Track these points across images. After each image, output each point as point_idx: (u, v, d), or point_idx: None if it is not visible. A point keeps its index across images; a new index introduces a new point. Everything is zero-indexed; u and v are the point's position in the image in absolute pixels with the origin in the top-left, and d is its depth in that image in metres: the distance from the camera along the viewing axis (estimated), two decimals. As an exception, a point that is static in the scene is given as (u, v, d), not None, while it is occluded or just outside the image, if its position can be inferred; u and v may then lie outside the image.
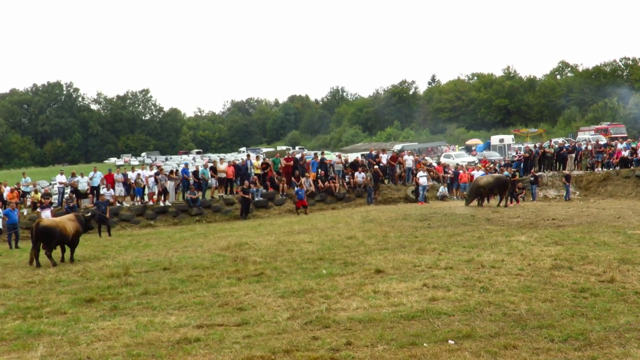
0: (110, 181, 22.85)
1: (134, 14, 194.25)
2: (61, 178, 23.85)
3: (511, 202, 22.53)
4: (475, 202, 22.14)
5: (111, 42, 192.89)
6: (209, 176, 24.30)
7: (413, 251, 12.17)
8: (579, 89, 72.93)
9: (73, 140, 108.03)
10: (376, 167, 26.21)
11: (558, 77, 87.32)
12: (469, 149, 57.29)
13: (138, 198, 23.23)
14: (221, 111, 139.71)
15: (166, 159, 78.47)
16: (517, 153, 37.23)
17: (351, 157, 29.86)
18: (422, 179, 25.33)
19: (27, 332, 7.63)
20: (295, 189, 24.18)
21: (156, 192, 23.33)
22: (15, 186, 22.81)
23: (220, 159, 26.49)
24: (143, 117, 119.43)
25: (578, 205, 20.96)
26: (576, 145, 30.15)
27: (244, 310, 8.17)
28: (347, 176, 26.43)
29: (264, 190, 24.69)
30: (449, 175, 27.48)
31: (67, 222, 13.85)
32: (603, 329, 6.65)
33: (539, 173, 26.65)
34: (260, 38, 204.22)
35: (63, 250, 14.02)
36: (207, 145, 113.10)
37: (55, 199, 23.80)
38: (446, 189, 26.72)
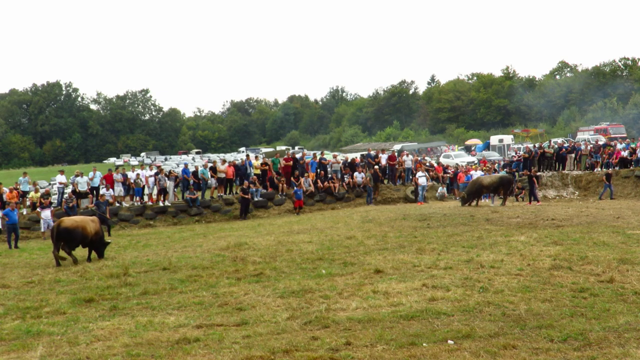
0: (109, 181, 22.82)
1: (133, 14, 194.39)
2: (61, 178, 23.82)
3: (530, 202, 22.05)
4: (473, 202, 22.07)
5: (110, 42, 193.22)
6: (209, 176, 24.31)
7: (412, 251, 12.15)
8: (579, 89, 72.99)
9: (72, 140, 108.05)
10: (376, 167, 26.21)
11: (557, 77, 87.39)
12: (468, 149, 57.38)
13: (137, 198, 23.22)
14: (220, 111, 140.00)
15: (165, 159, 78.55)
16: (516, 153, 37.27)
17: (352, 157, 29.89)
18: (422, 179, 25.31)
19: (27, 332, 7.63)
20: (294, 189, 24.20)
21: (155, 192, 23.32)
22: (14, 186, 22.78)
23: (222, 160, 26.49)
24: (142, 117, 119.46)
25: (577, 205, 20.94)
26: (575, 145, 30.16)
27: (244, 311, 8.16)
28: (346, 176, 26.42)
29: (264, 191, 24.70)
30: (448, 176, 27.48)
31: (89, 222, 13.79)
32: (602, 329, 6.65)
33: (539, 173, 26.60)
34: (260, 38, 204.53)
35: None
36: (206, 146, 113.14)
37: (55, 199, 23.78)
38: (445, 189, 26.72)
